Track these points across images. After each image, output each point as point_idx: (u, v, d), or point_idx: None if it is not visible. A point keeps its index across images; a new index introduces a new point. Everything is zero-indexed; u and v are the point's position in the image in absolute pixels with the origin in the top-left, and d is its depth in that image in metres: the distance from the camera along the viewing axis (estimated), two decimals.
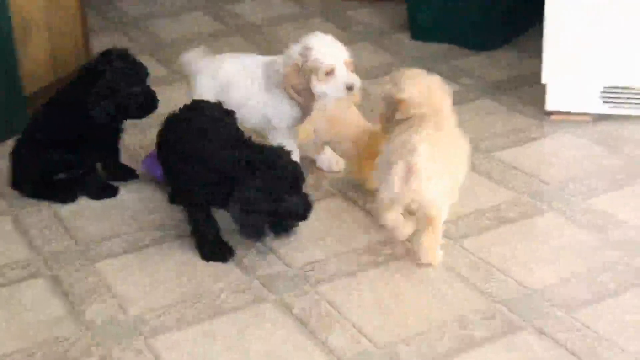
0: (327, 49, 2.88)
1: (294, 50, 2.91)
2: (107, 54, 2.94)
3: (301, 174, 2.55)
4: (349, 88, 2.87)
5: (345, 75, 2.87)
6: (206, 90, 3.01)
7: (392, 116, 2.67)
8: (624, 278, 2.50)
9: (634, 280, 2.49)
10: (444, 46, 4.19)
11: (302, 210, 2.54)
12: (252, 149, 2.56)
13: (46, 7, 3.64)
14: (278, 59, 2.98)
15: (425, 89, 2.65)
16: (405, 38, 4.34)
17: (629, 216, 2.79)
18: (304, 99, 2.93)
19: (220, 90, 3.00)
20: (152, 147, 2.91)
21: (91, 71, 2.93)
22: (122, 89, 2.90)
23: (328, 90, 2.88)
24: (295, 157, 2.72)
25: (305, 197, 2.55)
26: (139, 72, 2.96)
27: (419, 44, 4.25)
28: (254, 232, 2.55)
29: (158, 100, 2.99)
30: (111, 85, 2.89)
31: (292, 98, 2.94)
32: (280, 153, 2.55)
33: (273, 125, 3.00)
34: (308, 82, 2.88)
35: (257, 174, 2.48)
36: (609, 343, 2.25)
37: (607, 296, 2.42)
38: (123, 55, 2.94)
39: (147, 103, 2.97)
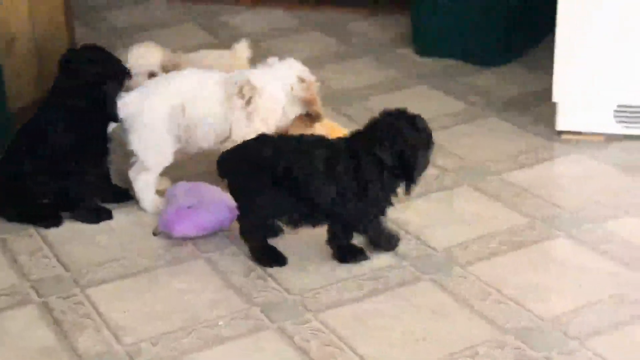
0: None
1: (288, 77, 3.15)
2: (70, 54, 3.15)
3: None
4: None
5: None
6: (158, 113, 3.08)
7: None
8: None
9: None
10: (450, 61, 4.29)
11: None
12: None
13: (31, 19, 3.73)
14: (236, 76, 3.15)
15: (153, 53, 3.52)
16: (408, 52, 4.43)
17: None
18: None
19: (174, 111, 3.08)
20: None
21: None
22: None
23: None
24: None
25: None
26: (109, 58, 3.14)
27: (424, 59, 4.34)
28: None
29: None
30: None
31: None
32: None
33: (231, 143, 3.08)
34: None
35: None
36: None
37: (622, 325, 2.49)
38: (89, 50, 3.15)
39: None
